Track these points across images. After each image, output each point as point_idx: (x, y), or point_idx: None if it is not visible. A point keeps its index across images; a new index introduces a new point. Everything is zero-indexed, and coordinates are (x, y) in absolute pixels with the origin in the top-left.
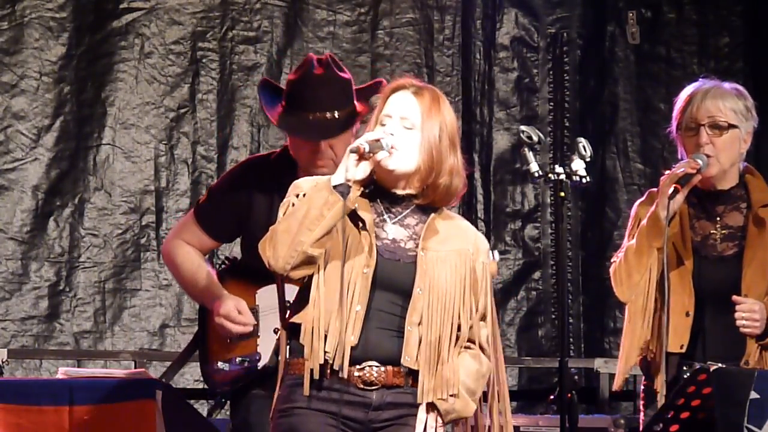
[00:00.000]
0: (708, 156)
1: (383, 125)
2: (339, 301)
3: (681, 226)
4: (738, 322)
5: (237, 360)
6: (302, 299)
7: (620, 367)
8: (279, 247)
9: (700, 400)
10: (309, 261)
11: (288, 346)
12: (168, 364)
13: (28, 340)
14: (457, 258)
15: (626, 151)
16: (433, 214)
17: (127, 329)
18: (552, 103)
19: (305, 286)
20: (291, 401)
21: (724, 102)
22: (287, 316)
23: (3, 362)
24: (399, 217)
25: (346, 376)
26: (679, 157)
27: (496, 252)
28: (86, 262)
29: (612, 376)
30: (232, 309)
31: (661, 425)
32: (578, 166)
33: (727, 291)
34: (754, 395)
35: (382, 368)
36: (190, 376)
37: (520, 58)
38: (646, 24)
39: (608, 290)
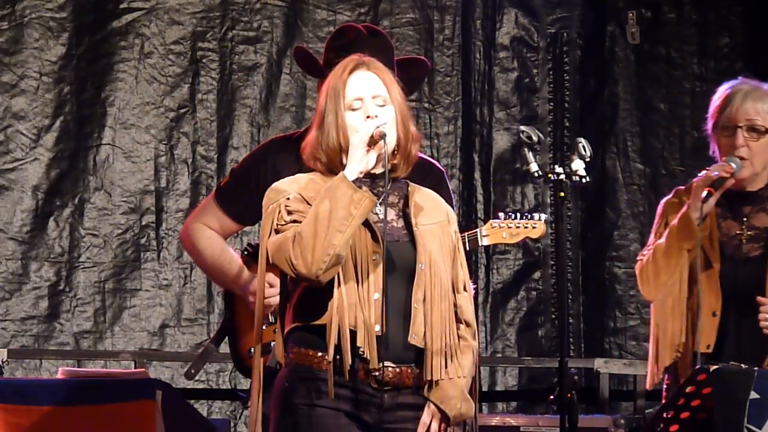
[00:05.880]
0: (742, 158)
1: (355, 109)
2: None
3: (710, 226)
4: (762, 323)
5: (272, 344)
6: (310, 297)
7: (652, 368)
8: (309, 254)
9: (700, 400)
10: (338, 262)
11: (290, 336)
12: (168, 364)
13: (28, 340)
14: (440, 231)
15: (626, 151)
16: (408, 188)
17: (127, 329)
18: (552, 103)
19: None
20: (303, 396)
21: (764, 105)
22: (294, 318)
23: (3, 362)
24: (382, 196)
25: (375, 367)
26: (711, 153)
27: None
28: (86, 262)
29: (612, 377)
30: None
31: (661, 425)
32: (578, 166)
33: (753, 292)
34: (754, 395)
35: (397, 369)
36: None
37: (520, 58)
38: (646, 24)
39: (608, 290)
